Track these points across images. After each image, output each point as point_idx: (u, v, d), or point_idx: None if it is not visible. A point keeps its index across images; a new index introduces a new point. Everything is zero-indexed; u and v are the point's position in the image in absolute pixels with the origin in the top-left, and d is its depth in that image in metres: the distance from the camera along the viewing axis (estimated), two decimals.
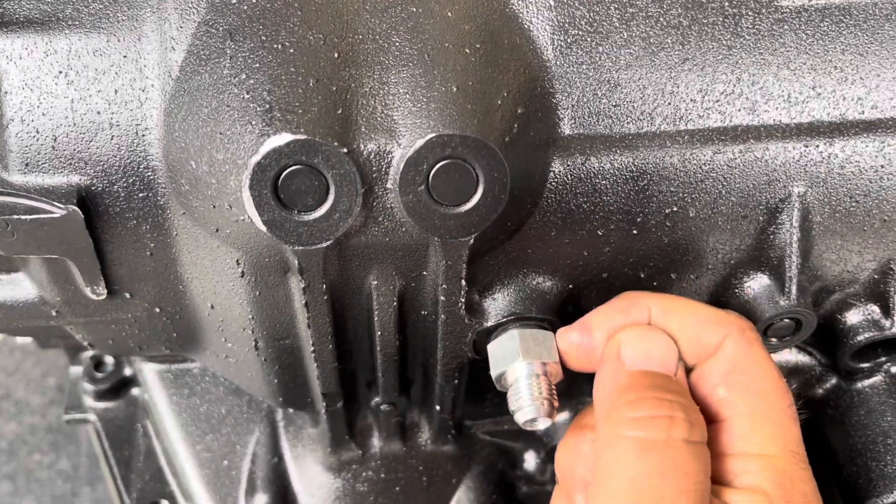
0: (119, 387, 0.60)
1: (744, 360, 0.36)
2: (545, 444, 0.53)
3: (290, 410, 0.54)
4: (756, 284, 0.42)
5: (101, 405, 0.60)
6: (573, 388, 0.51)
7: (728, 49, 0.38)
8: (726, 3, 0.38)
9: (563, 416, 0.52)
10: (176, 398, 0.55)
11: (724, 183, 0.39)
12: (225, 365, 0.48)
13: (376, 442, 0.52)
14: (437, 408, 0.48)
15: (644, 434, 0.33)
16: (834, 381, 0.48)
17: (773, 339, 0.42)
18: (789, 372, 0.48)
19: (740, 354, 0.36)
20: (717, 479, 0.36)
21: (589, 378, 0.40)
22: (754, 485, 0.34)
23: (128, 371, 0.60)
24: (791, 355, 0.48)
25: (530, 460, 0.55)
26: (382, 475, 0.52)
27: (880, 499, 0.44)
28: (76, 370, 0.60)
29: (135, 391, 0.59)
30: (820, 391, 0.48)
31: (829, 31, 0.39)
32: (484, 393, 0.50)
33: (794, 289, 0.40)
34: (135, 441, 0.57)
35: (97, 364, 0.60)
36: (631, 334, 0.37)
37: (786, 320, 0.41)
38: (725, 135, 0.39)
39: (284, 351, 0.44)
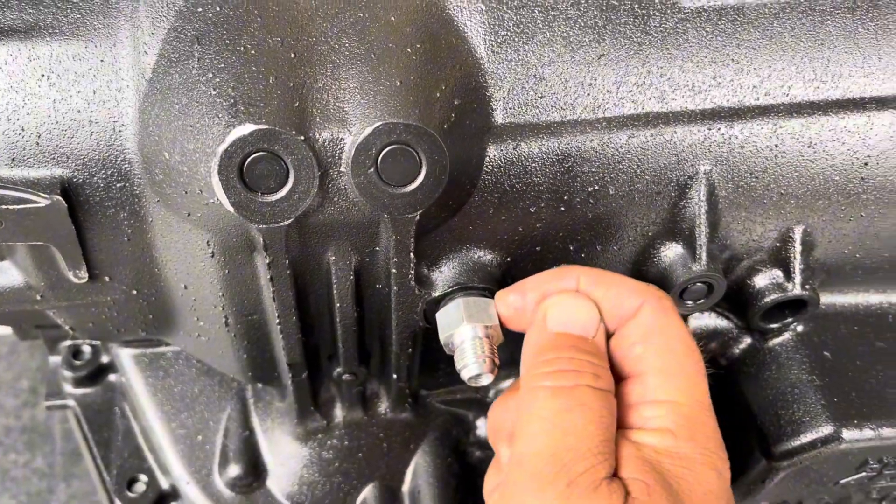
0: (97, 373, 0.63)
1: (659, 323, 0.41)
2: None
3: (259, 386, 0.58)
4: (671, 253, 0.47)
5: (80, 391, 0.63)
6: (518, 357, 0.56)
7: (638, 45, 0.44)
8: (636, 5, 0.44)
9: (507, 384, 0.57)
10: (152, 380, 0.59)
11: (639, 163, 0.44)
12: (197, 344, 0.52)
13: (339, 412, 0.57)
14: (395, 377, 0.52)
15: (555, 382, 0.39)
16: (749, 341, 0.53)
17: (689, 302, 0.47)
18: (709, 334, 0.53)
19: (656, 318, 0.41)
20: (632, 425, 0.40)
21: None
22: (663, 426, 0.39)
23: (105, 358, 0.63)
24: (711, 319, 0.54)
25: (482, 427, 0.60)
26: (346, 443, 0.56)
27: (790, 441, 0.50)
28: (55, 360, 0.64)
29: (112, 377, 0.63)
30: (737, 351, 0.53)
31: (726, 29, 0.44)
32: (437, 363, 0.55)
33: (704, 256, 0.45)
34: (113, 423, 0.60)
35: (75, 353, 0.64)
36: (556, 300, 0.42)
37: (698, 284, 0.47)
38: (638, 121, 0.44)
39: (252, 326, 0.48)
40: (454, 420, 0.59)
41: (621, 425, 0.40)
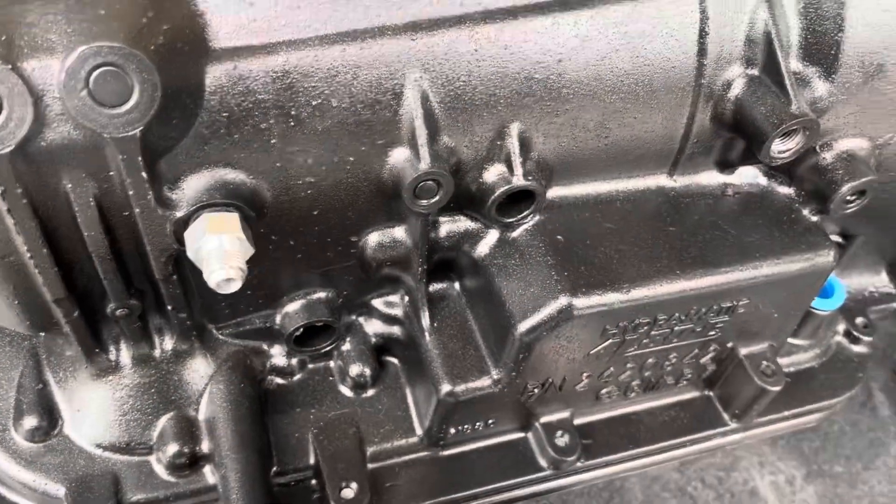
0: None
1: None
2: (288, 337, 0.62)
3: (48, 337, 0.60)
4: (400, 157, 0.52)
5: None
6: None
7: None
8: None
9: (294, 306, 0.61)
10: None
11: (354, 75, 0.49)
12: None
13: (125, 350, 0.59)
14: (170, 308, 0.55)
15: None
16: (496, 235, 0.59)
17: (423, 201, 0.52)
18: (461, 235, 0.59)
19: None
20: None
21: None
22: None
23: None
24: (462, 223, 0.59)
25: (277, 354, 0.63)
26: (137, 379, 0.58)
27: (532, 317, 0.55)
28: None
29: None
30: (486, 248, 0.59)
31: None
32: (216, 295, 0.58)
33: (427, 155, 0.50)
34: None
35: None
36: None
37: (428, 182, 0.52)
38: (347, 36, 0.48)
39: (12, 269, 0.49)
40: (248, 350, 0.63)
41: None
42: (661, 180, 0.62)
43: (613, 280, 0.56)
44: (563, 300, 0.55)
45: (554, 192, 0.59)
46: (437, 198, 0.53)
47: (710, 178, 0.63)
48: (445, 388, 0.60)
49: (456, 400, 0.60)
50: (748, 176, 0.64)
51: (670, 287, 0.57)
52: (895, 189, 0.66)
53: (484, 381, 0.60)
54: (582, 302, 0.55)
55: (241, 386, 0.60)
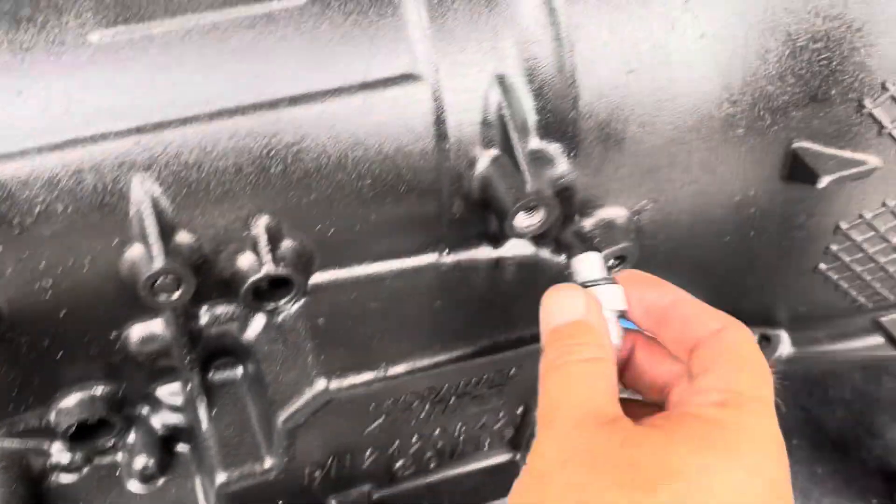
0: None
1: (736, 340, 0.45)
2: (63, 434, 0.61)
3: None
4: (136, 253, 0.52)
5: None
6: None
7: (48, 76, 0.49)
8: (49, 37, 0.49)
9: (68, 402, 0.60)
10: None
11: (77, 179, 0.50)
12: None
13: None
14: None
15: (548, 364, 0.46)
16: (263, 320, 0.60)
17: (162, 297, 0.53)
18: (228, 322, 0.59)
19: (734, 337, 0.45)
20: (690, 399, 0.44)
21: None
22: (718, 400, 0.43)
23: None
24: (227, 309, 0.60)
25: (58, 451, 0.63)
26: None
27: (294, 404, 0.56)
28: None
29: None
30: (253, 333, 0.59)
31: (130, 56, 0.50)
32: None
33: (159, 252, 0.51)
34: None
35: None
36: (544, 301, 0.49)
37: (167, 279, 0.52)
38: (68, 144, 0.49)
39: None
40: (26, 449, 0.62)
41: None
42: (432, 258, 0.64)
43: (371, 360, 0.57)
44: (319, 384, 0.56)
45: (321, 276, 0.61)
46: (178, 293, 0.53)
47: (482, 252, 0.65)
48: (220, 477, 0.59)
49: (230, 490, 0.60)
50: (519, 247, 0.66)
51: (430, 362, 0.59)
52: (669, 251, 0.69)
53: (257, 468, 0.60)
54: (338, 384, 0.56)
55: (14, 488, 0.60)
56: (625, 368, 0.51)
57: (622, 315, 0.50)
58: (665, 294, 0.49)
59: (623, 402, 0.47)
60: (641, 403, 0.51)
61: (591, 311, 0.48)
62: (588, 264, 0.51)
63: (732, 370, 0.44)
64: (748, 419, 0.42)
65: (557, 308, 0.48)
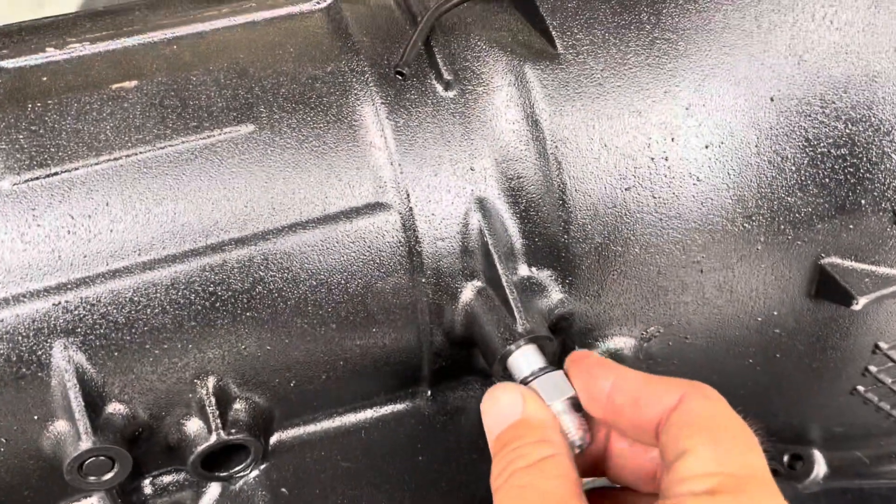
0: None
1: (704, 407, 0.39)
2: None
3: None
4: (62, 429, 0.45)
5: None
6: None
7: None
8: None
9: None
10: None
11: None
12: None
13: None
14: None
15: (497, 483, 0.41)
16: (217, 490, 0.51)
17: (91, 478, 0.45)
18: (177, 492, 0.51)
19: (700, 404, 0.39)
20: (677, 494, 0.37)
21: None
22: (709, 488, 0.36)
23: None
24: (177, 477, 0.52)
25: None
26: None
27: None
28: None
29: None
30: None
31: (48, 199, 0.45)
32: None
33: (86, 429, 0.43)
34: None
35: None
36: (482, 408, 0.44)
37: (98, 458, 0.45)
38: None
39: None
40: None
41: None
42: (414, 402, 0.56)
43: None
44: None
45: (284, 434, 0.52)
46: (112, 473, 0.45)
47: (470, 390, 0.58)
48: None
49: None
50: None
51: None
52: (684, 376, 0.62)
53: None
54: None
55: None
56: (604, 460, 0.45)
57: (574, 401, 0.44)
58: (605, 377, 0.43)
59: (616, 491, 0.42)
60: (633, 493, 0.45)
61: (529, 407, 0.43)
62: (523, 358, 0.47)
63: (711, 448, 0.38)
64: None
65: (495, 412, 0.44)
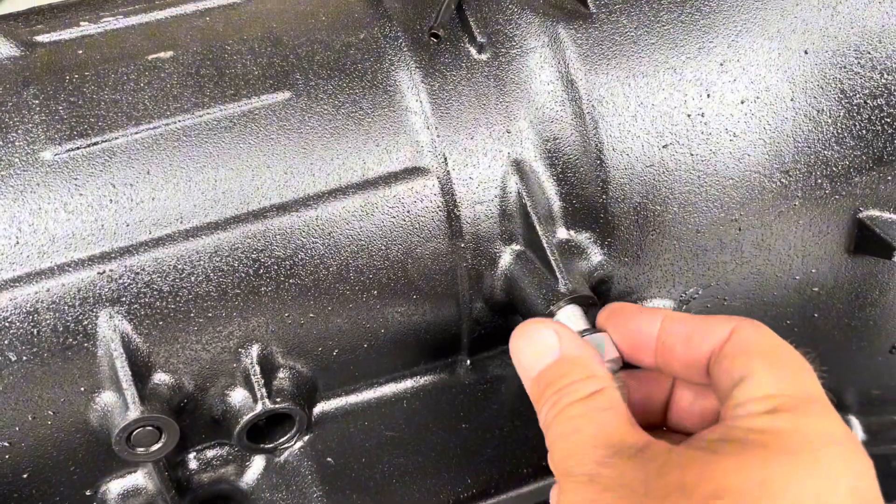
0: None
1: (754, 336, 0.39)
2: None
3: None
4: (109, 400, 0.44)
5: None
6: None
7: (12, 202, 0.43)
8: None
9: None
10: None
11: (33, 321, 0.42)
12: None
13: None
14: None
15: (550, 417, 0.40)
16: (262, 463, 0.51)
17: (142, 449, 0.45)
18: (222, 467, 0.51)
19: (751, 333, 0.40)
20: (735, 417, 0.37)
21: None
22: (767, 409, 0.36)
23: None
24: (220, 451, 0.52)
25: None
26: None
27: None
28: None
29: None
30: (253, 478, 0.51)
31: (94, 170, 0.45)
32: None
33: (134, 399, 0.43)
34: None
35: None
36: (512, 346, 0.43)
37: (146, 428, 0.45)
38: (18, 281, 0.42)
39: None
40: None
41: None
42: (454, 371, 0.56)
43: None
44: None
45: (326, 405, 0.52)
46: (160, 444, 0.45)
47: (509, 358, 0.58)
48: None
49: None
50: None
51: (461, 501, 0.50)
52: None
53: None
54: None
55: None
56: (666, 411, 0.44)
57: (618, 363, 0.44)
58: (652, 321, 0.43)
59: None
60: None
61: (566, 343, 0.42)
62: (567, 320, 0.46)
63: (768, 372, 0.38)
64: (809, 421, 0.36)
65: (530, 353, 0.43)
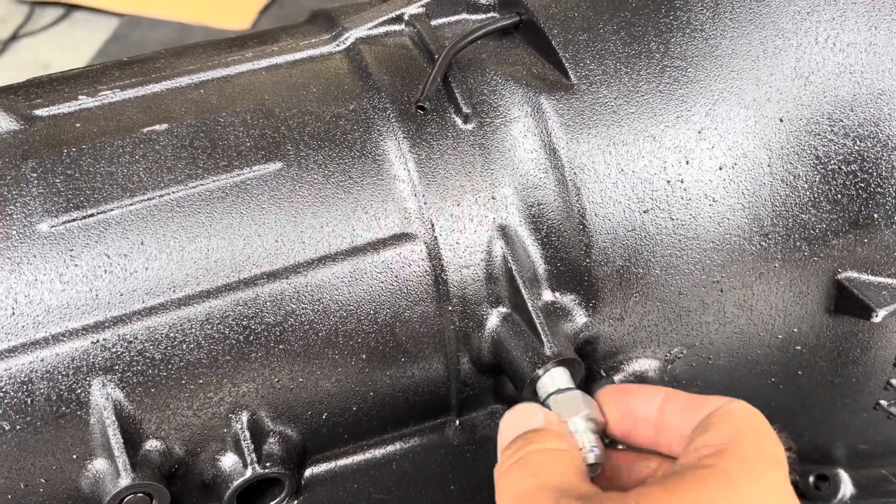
0: None
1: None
2: None
3: None
4: (101, 467, 0.45)
5: None
6: None
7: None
8: None
9: None
10: None
11: (27, 391, 0.43)
12: None
13: None
14: None
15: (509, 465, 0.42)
16: None
17: None
18: None
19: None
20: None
21: None
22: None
23: None
24: None
25: None
26: None
27: None
28: None
29: None
30: None
31: (89, 241, 0.46)
32: None
33: (125, 466, 0.43)
34: None
35: None
36: (501, 425, 0.45)
37: (137, 496, 0.45)
38: (13, 352, 0.43)
39: None
40: None
41: None
42: (443, 432, 0.56)
43: None
44: None
45: (316, 468, 0.53)
46: None
47: (497, 416, 0.58)
48: None
49: None
50: None
51: None
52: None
53: None
54: None
55: None
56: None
57: (598, 425, 0.44)
58: (652, 398, 0.44)
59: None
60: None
61: (550, 418, 0.44)
62: (552, 382, 0.48)
63: (733, 429, 0.40)
64: (754, 468, 0.38)
65: (513, 420, 0.44)
